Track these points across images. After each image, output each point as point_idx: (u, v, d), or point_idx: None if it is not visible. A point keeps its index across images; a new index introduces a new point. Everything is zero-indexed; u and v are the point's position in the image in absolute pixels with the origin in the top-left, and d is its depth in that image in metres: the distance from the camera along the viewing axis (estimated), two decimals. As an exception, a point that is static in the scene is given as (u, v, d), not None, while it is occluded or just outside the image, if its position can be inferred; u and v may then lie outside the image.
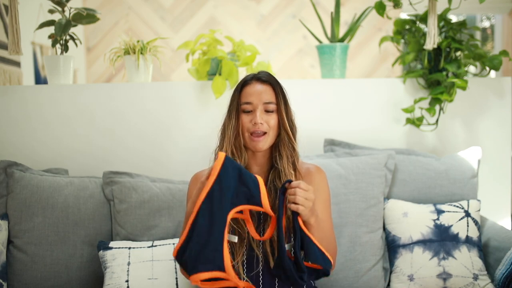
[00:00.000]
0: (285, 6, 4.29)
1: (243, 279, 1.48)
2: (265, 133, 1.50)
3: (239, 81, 1.64)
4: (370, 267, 1.92)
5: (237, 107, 1.53)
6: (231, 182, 1.29)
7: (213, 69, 2.19)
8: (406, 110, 2.21)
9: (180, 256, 1.27)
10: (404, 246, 1.92)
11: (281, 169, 1.52)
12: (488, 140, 2.33)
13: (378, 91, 2.30)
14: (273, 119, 1.51)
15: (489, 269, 1.92)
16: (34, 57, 3.20)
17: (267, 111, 1.51)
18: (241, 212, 1.35)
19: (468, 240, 1.92)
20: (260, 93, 1.51)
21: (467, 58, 2.23)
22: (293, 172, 1.53)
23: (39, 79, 3.23)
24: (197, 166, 1.79)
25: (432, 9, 2.14)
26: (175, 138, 2.19)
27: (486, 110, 2.33)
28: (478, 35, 4.37)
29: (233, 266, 1.48)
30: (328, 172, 1.92)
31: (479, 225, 1.96)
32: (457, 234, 1.92)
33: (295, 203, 1.36)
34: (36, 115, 2.14)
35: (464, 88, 2.15)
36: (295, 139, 1.55)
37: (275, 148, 1.55)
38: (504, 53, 2.19)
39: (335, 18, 2.31)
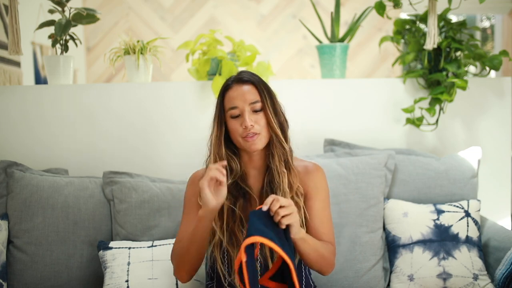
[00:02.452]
0: (285, 6, 4.28)
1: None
2: (258, 133, 1.47)
3: None
4: (370, 267, 1.92)
5: (223, 114, 1.49)
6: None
7: (213, 69, 2.19)
8: (406, 110, 2.21)
9: None
10: (404, 246, 1.92)
11: (274, 168, 1.49)
12: (488, 140, 2.33)
13: (378, 91, 2.30)
14: (261, 118, 1.47)
15: (489, 269, 1.92)
16: (34, 57, 3.20)
17: (255, 111, 1.47)
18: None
19: (468, 240, 1.92)
20: (243, 95, 1.47)
21: (467, 58, 2.23)
22: (285, 171, 1.49)
23: (39, 79, 3.23)
24: (197, 166, 1.78)
25: (432, 9, 2.14)
26: (175, 138, 2.19)
27: (486, 110, 2.33)
28: (478, 35, 4.37)
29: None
30: (328, 172, 1.92)
31: (479, 225, 1.96)
32: (457, 234, 1.92)
33: (286, 218, 1.30)
34: (36, 115, 2.13)
35: (464, 88, 2.14)
36: (286, 137, 1.51)
37: (268, 148, 1.52)
38: (504, 53, 2.18)
39: (335, 18, 2.31)
